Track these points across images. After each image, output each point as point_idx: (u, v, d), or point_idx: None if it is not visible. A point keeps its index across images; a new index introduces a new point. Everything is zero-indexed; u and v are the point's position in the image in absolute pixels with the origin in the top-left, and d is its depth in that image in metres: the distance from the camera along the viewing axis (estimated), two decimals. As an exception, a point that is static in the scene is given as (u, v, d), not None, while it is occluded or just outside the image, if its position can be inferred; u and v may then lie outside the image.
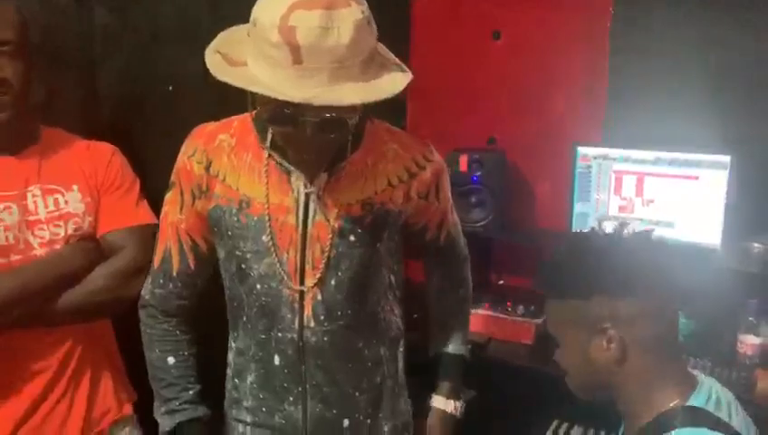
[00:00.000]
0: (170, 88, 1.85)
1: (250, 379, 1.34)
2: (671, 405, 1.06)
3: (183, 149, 1.29)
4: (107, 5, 1.71)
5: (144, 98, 1.84)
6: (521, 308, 2.31)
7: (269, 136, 1.22)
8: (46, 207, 1.44)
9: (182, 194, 1.28)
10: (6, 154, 1.44)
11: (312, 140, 1.09)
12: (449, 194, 1.41)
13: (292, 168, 1.22)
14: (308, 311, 1.25)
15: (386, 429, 1.39)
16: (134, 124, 1.79)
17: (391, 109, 2.76)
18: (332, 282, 1.24)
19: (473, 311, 2.32)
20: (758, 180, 2.09)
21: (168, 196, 1.31)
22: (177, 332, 1.37)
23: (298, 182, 1.22)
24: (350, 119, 1.11)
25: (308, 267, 1.23)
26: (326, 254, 1.22)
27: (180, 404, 1.35)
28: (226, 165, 1.24)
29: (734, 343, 2.02)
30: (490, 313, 2.33)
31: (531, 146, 2.54)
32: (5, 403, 1.43)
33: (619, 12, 2.32)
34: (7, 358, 1.41)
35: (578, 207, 2.31)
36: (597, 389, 1.15)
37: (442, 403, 1.47)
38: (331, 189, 1.22)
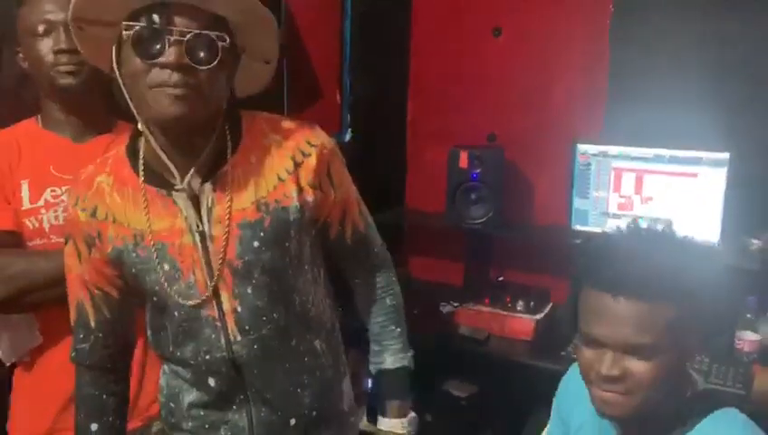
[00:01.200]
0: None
1: (188, 400, 1.29)
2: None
3: (67, 199, 1.26)
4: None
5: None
6: (520, 304, 2.32)
7: (141, 163, 1.17)
8: None
9: (76, 246, 1.22)
10: (78, 141, 1.50)
11: (180, 81, 1.02)
12: (349, 182, 1.30)
13: (172, 191, 1.15)
14: (231, 326, 1.19)
15: (334, 415, 1.35)
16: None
17: (393, 106, 2.79)
18: (249, 291, 1.18)
19: (473, 307, 2.36)
20: (757, 177, 2.10)
21: (66, 249, 1.25)
22: (104, 395, 1.30)
23: (182, 201, 1.15)
24: (220, 41, 1.04)
25: (220, 284, 1.17)
26: (233, 266, 1.16)
27: None
28: (110, 205, 1.18)
29: (732, 340, 2.03)
30: (489, 309, 2.34)
31: (530, 143, 2.55)
32: (55, 380, 1.46)
33: (619, 9, 2.32)
34: (58, 337, 1.45)
35: (577, 204, 2.32)
36: (662, 400, 1.05)
37: (389, 425, 1.39)
38: (220, 198, 1.16)
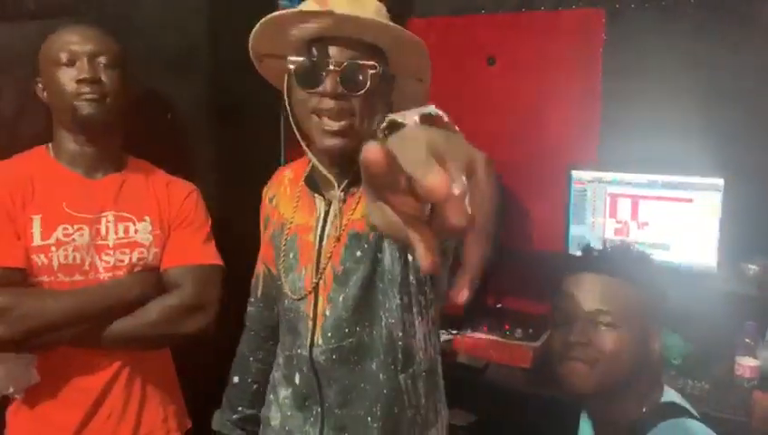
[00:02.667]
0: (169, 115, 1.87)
1: (282, 394, 1.37)
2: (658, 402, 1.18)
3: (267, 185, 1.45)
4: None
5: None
6: (519, 331, 2.30)
7: (309, 165, 1.32)
8: (116, 233, 1.50)
9: (261, 226, 1.42)
10: (91, 177, 1.52)
11: (335, 108, 1.14)
12: None
13: (317, 193, 1.29)
14: (318, 328, 1.27)
15: None
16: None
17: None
18: (340, 299, 1.25)
19: (471, 334, 2.34)
20: (753, 203, 2.11)
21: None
22: (251, 358, 1.49)
23: (320, 203, 1.29)
24: (371, 69, 1.15)
25: (321, 283, 1.27)
26: (335, 269, 1.25)
27: (223, 421, 1.49)
28: (282, 195, 1.37)
29: (731, 366, 2.02)
30: (488, 336, 2.32)
31: (526, 169, 2.56)
32: (58, 417, 1.46)
33: (612, 37, 2.35)
34: (59, 374, 1.46)
35: (574, 230, 2.33)
36: (621, 384, 1.18)
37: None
38: (348, 208, 1.26)
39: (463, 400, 2.50)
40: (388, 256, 1.25)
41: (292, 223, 1.32)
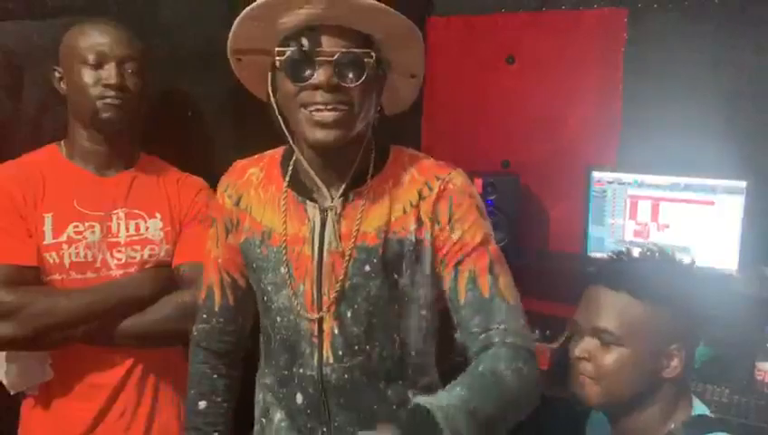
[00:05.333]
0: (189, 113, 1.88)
1: (277, 417, 1.28)
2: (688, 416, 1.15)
3: (219, 184, 1.31)
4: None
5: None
6: (536, 333, 2.29)
7: (290, 169, 1.23)
8: (127, 230, 1.51)
9: (217, 228, 1.29)
10: (102, 174, 1.52)
11: (330, 100, 1.07)
12: (478, 227, 1.19)
13: (307, 198, 1.20)
14: (327, 346, 1.19)
15: None
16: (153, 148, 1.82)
17: (407, 132, 2.79)
18: (348, 314, 1.18)
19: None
20: (775, 206, 2.08)
21: (209, 231, 1.32)
22: (215, 375, 1.34)
23: (314, 211, 1.19)
24: (366, 57, 1.09)
25: (324, 299, 1.18)
26: (340, 285, 1.17)
27: None
28: (253, 198, 1.24)
29: (752, 371, 1.99)
30: (504, 337, 2.31)
31: (545, 170, 2.54)
32: (71, 413, 1.48)
33: (633, 36, 2.33)
34: (73, 370, 1.47)
35: (593, 231, 2.31)
36: (629, 399, 1.15)
37: None
38: (347, 216, 1.18)
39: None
40: (407, 278, 1.19)
41: (279, 233, 1.20)
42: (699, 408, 1.18)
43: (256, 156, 1.30)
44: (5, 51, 1.54)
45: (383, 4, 1.08)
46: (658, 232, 2.20)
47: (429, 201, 1.18)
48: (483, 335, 1.16)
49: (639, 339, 1.13)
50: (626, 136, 2.37)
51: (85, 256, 1.45)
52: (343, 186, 1.18)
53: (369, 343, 1.19)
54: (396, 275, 1.18)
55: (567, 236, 2.49)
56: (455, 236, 1.18)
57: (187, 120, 1.87)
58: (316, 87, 1.07)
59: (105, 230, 1.48)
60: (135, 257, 1.50)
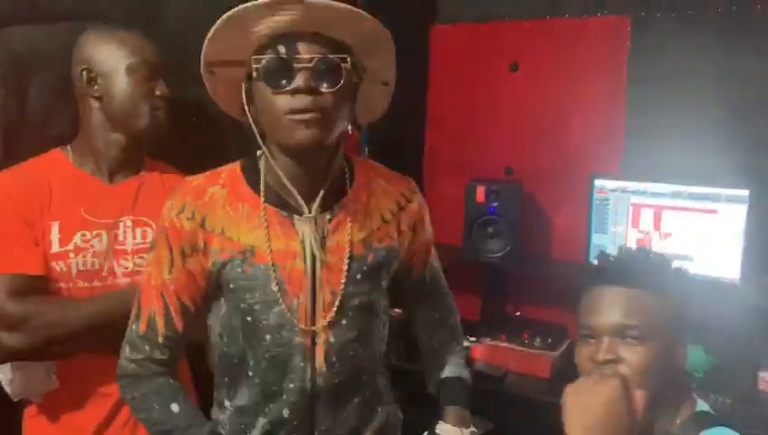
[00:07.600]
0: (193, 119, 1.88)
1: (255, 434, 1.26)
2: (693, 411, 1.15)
3: (168, 206, 1.21)
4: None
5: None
6: (538, 340, 2.29)
7: (262, 182, 1.21)
8: (134, 238, 1.51)
9: (171, 253, 1.19)
10: (110, 181, 1.52)
11: (309, 104, 1.08)
12: (430, 228, 1.42)
13: (293, 214, 1.19)
14: (320, 356, 1.21)
15: None
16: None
17: (411, 139, 2.80)
18: (343, 322, 1.22)
19: (490, 342, 2.33)
20: (778, 215, 2.08)
21: (151, 257, 1.23)
22: (171, 380, 1.26)
23: (302, 225, 1.19)
24: (342, 62, 1.10)
25: (318, 311, 1.21)
26: (337, 296, 1.20)
27: None
28: (222, 218, 1.19)
29: (755, 380, 1.99)
30: (506, 344, 2.31)
31: (548, 177, 2.55)
32: (75, 421, 1.47)
33: (637, 45, 2.33)
34: (78, 378, 1.46)
35: (596, 239, 2.31)
36: (656, 394, 1.13)
37: (450, 432, 1.38)
38: (335, 229, 1.21)
39: (480, 408, 2.50)
40: (386, 281, 1.29)
41: (264, 250, 1.18)
42: (700, 404, 1.19)
43: (208, 173, 1.25)
44: (12, 56, 1.54)
45: (357, 9, 1.10)
46: (661, 240, 2.20)
47: (410, 212, 1.32)
48: (438, 295, 1.52)
49: (662, 331, 1.13)
50: (629, 144, 2.37)
51: (92, 265, 1.45)
52: (319, 197, 1.19)
53: (359, 346, 1.26)
54: (381, 281, 1.27)
55: (569, 243, 2.49)
56: (424, 241, 1.40)
57: (190, 126, 1.87)
58: (295, 92, 1.08)
59: (112, 238, 1.48)
60: (142, 265, 1.48)
